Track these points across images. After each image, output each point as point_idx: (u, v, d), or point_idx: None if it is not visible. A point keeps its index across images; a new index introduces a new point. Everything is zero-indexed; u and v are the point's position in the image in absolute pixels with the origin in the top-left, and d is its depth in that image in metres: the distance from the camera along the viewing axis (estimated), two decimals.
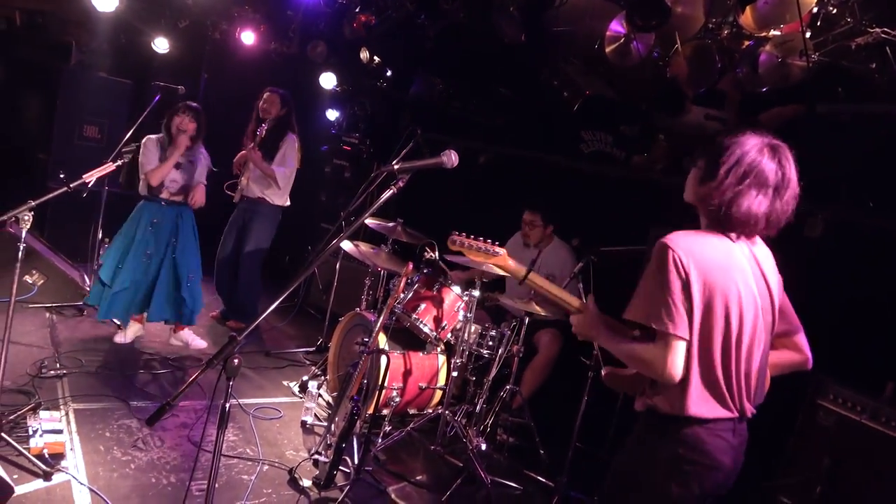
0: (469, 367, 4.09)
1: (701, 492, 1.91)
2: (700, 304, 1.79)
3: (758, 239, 1.95)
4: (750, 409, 1.94)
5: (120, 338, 4.45)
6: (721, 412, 1.86)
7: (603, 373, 2.13)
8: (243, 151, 4.86)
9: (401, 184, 2.04)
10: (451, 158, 2.07)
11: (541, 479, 3.71)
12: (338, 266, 5.34)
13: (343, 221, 2.27)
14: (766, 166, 1.82)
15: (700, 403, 1.84)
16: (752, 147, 1.83)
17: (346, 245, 4.50)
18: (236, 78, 6.33)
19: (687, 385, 1.83)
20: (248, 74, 6.18)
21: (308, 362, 4.86)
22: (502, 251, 2.18)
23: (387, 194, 2.04)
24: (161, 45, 6.13)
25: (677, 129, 4.56)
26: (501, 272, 3.51)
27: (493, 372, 3.90)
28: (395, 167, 2.03)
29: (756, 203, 1.82)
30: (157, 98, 4.56)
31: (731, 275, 1.82)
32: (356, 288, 5.12)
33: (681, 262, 1.78)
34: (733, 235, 1.88)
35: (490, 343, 3.98)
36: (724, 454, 1.87)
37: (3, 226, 4.60)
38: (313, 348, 5.04)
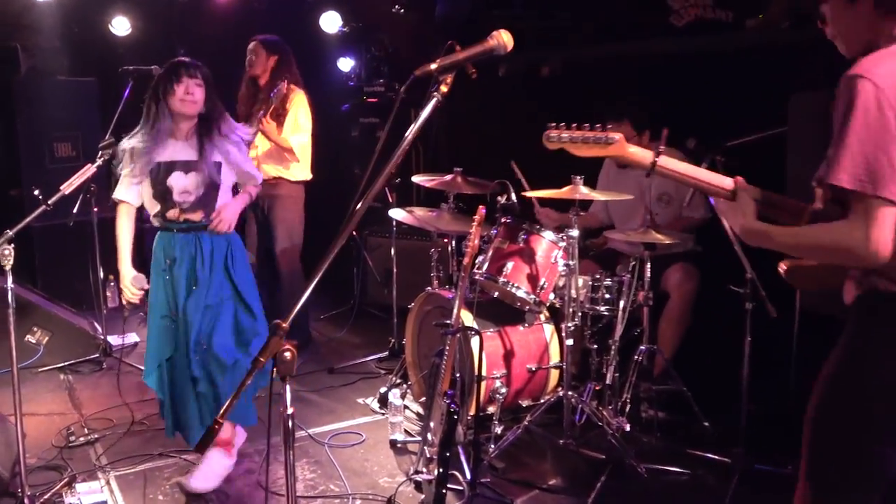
0: (586, 332, 4.04)
1: None
2: None
3: None
4: None
5: (195, 482, 3.42)
6: None
7: (782, 268, 2.06)
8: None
9: (444, 88, 1.96)
10: (502, 40, 1.97)
11: (710, 456, 3.64)
12: (393, 250, 5.35)
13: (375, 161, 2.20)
14: None
15: None
16: None
17: (398, 214, 4.49)
18: (218, 45, 6.41)
19: None
20: (231, 37, 6.24)
21: (383, 371, 4.93)
22: (618, 135, 2.15)
23: (429, 106, 1.96)
24: (120, 25, 6.28)
25: None
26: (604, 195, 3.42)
27: (619, 331, 3.86)
28: (433, 67, 1.95)
29: None
30: (129, 86, 4.66)
31: None
32: (422, 268, 5.11)
33: (886, 99, 1.69)
34: None
35: (607, 296, 3.92)
36: None
37: None
38: (385, 353, 5.12)
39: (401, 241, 5.49)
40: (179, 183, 3.37)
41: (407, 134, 1.97)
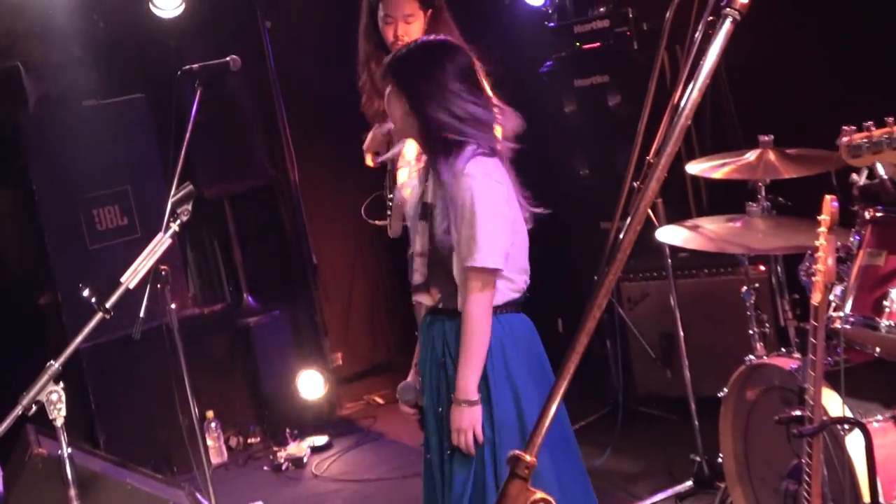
0: None
1: None
2: None
3: None
4: None
5: None
6: None
7: None
8: (378, 130, 4.98)
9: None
10: None
11: None
12: (673, 299, 5.28)
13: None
14: None
15: None
16: None
17: (673, 235, 4.55)
18: (317, 10, 6.69)
19: None
20: None
21: None
22: None
23: (721, 34, 1.93)
24: (166, 3, 6.58)
25: None
26: None
27: None
28: None
29: None
30: (198, 94, 4.85)
31: None
32: (728, 323, 5.15)
33: None
34: None
35: None
36: None
37: (28, 444, 5.19)
38: (688, 483, 5.14)
39: (682, 281, 5.51)
40: None
41: (688, 90, 1.97)
